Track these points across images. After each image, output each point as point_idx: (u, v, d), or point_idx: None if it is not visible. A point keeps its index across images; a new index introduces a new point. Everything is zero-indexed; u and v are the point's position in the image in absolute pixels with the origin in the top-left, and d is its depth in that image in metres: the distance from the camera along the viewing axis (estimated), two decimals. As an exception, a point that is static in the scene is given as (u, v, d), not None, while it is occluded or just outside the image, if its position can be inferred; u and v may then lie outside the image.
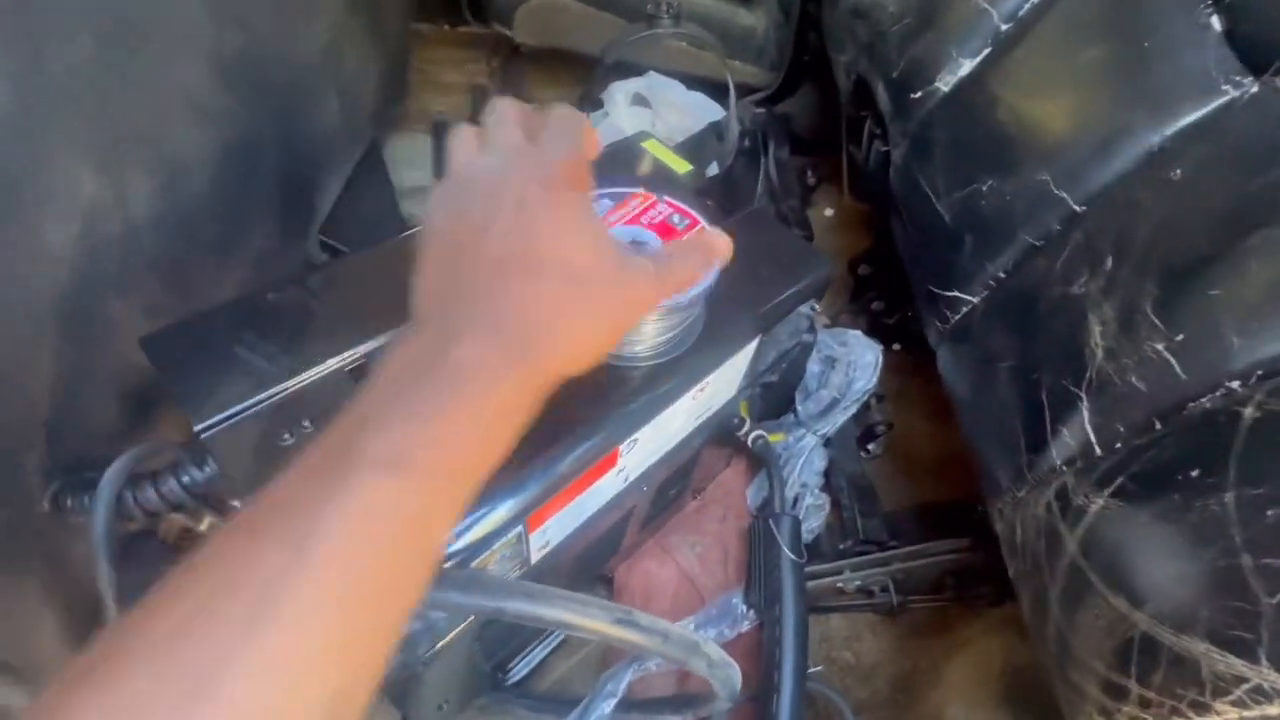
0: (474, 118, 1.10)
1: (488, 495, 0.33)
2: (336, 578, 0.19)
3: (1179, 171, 0.35)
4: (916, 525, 0.63)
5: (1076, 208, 0.42)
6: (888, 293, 0.82)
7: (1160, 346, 0.31)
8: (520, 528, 0.35)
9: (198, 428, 0.33)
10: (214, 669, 0.17)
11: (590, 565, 0.59)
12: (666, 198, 0.39)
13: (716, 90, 1.04)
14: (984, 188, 0.48)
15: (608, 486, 0.42)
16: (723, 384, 0.47)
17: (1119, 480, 0.31)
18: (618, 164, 0.55)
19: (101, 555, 0.33)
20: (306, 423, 0.34)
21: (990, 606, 0.59)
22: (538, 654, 0.62)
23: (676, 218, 0.38)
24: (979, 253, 0.48)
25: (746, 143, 0.90)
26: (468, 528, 0.32)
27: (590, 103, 1.04)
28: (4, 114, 0.33)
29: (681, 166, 0.54)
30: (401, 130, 1.06)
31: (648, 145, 0.56)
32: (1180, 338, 0.31)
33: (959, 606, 0.60)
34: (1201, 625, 0.24)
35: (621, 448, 0.39)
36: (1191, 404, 0.30)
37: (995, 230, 0.47)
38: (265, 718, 0.17)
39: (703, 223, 0.39)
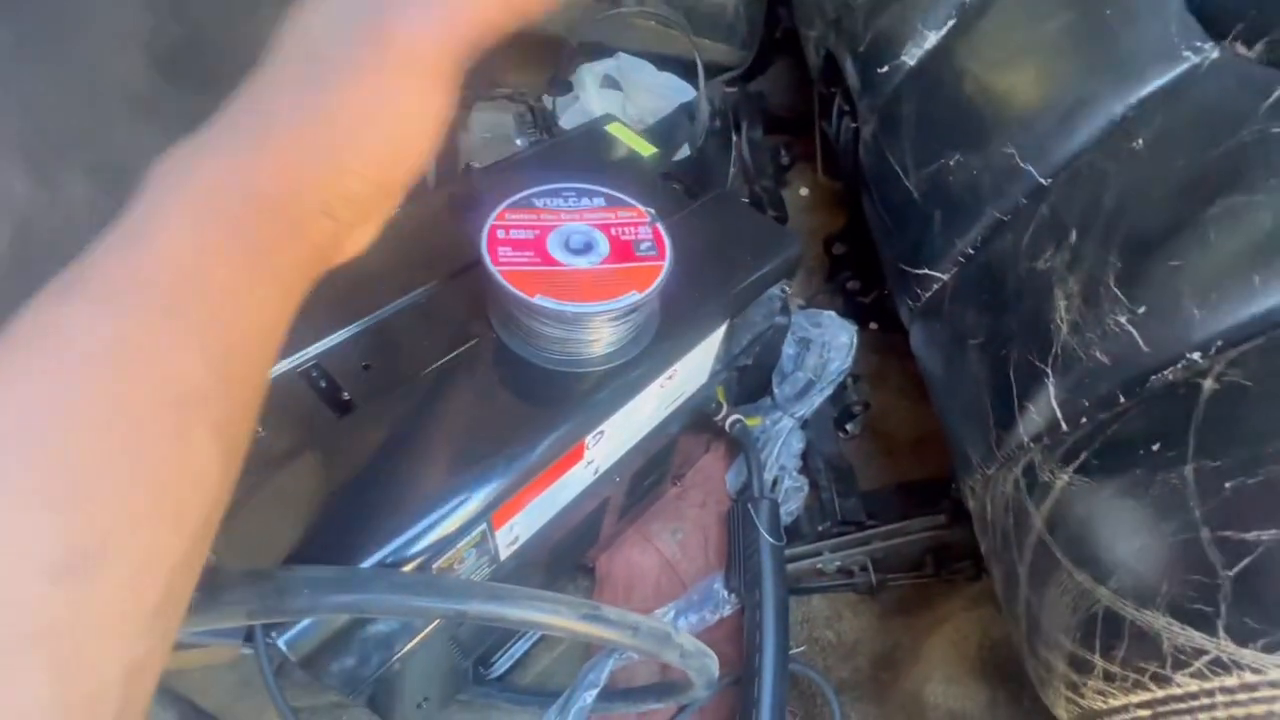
0: None
1: (448, 494, 0.32)
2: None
3: (1141, 141, 0.35)
4: (894, 504, 0.63)
5: (1042, 180, 0.42)
6: (863, 271, 0.82)
7: (1123, 319, 0.31)
8: (484, 525, 0.34)
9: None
10: None
11: (568, 556, 0.59)
12: (657, 225, 0.38)
13: (687, 70, 1.03)
14: (951, 163, 0.47)
15: (576, 479, 0.41)
16: (693, 370, 0.47)
17: (1083, 455, 0.31)
18: (583, 149, 0.54)
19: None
20: (260, 429, 0.33)
21: (969, 582, 0.59)
22: (519, 648, 0.62)
23: (645, 246, 0.37)
24: (948, 229, 0.48)
25: (718, 123, 0.89)
26: (428, 528, 0.31)
27: (559, 86, 1.02)
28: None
29: (646, 150, 0.53)
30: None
31: (612, 129, 0.55)
32: (1142, 310, 0.31)
33: (938, 583, 0.61)
34: (1162, 599, 0.24)
35: (588, 440, 0.38)
36: (1154, 376, 0.30)
37: (963, 206, 0.46)
38: None
39: (645, 211, 0.38)
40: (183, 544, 0.18)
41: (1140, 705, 0.26)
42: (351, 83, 0.21)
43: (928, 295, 0.51)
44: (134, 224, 0.19)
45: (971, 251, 0.47)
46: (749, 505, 0.61)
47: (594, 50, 1.03)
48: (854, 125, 0.63)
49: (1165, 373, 0.29)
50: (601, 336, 0.36)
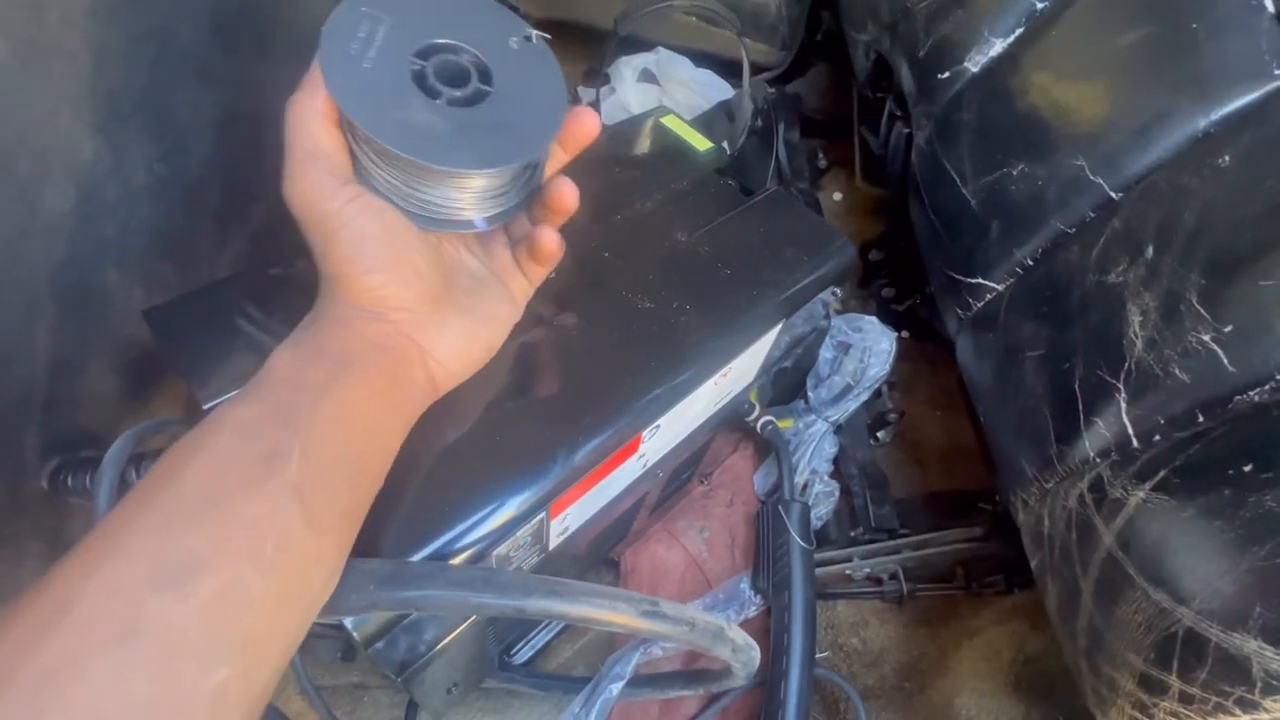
0: None
1: (511, 484, 0.32)
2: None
3: (1227, 158, 0.34)
4: (927, 514, 0.62)
5: (1113, 194, 0.41)
6: (898, 279, 0.81)
7: (1206, 338, 0.31)
8: (544, 514, 0.34)
9: (206, 405, 0.32)
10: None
11: (600, 549, 0.59)
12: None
13: (725, 68, 1.02)
14: (1014, 172, 0.47)
15: (627, 472, 0.41)
16: (744, 369, 0.46)
17: (1162, 474, 0.30)
18: (636, 140, 0.53)
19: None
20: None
21: (999, 596, 0.59)
22: (541, 638, 0.62)
23: None
24: (1006, 239, 0.47)
25: (759, 122, 0.88)
26: (492, 514, 0.31)
27: (597, 78, 1.02)
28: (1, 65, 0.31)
29: (702, 144, 0.53)
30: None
31: (667, 121, 0.54)
32: (1228, 329, 0.30)
33: (967, 596, 0.60)
34: (1254, 623, 0.24)
35: (644, 434, 0.38)
36: (1239, 397, 0.29)
37: (1025, 216, 0.46)
38: None
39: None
40: (266, 584, 0.22)
41: (1220, 729, 0.25)
42: (310, 228, 0.29)
43: (980, 305, 0.50)
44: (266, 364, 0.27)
45: (1031, 263, 0.46)
46: (780, 507, 0.61)
47: (633, 43, 1.02)
48: (906, 130, 0.63)
49: (1252, 394, 0.29)
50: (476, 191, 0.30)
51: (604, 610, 0.30)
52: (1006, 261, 0.48)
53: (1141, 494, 0.31)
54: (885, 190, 0.89)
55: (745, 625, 0.63)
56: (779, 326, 0.45)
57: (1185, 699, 0.26)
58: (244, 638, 0.21)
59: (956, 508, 0.65)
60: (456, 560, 0.30)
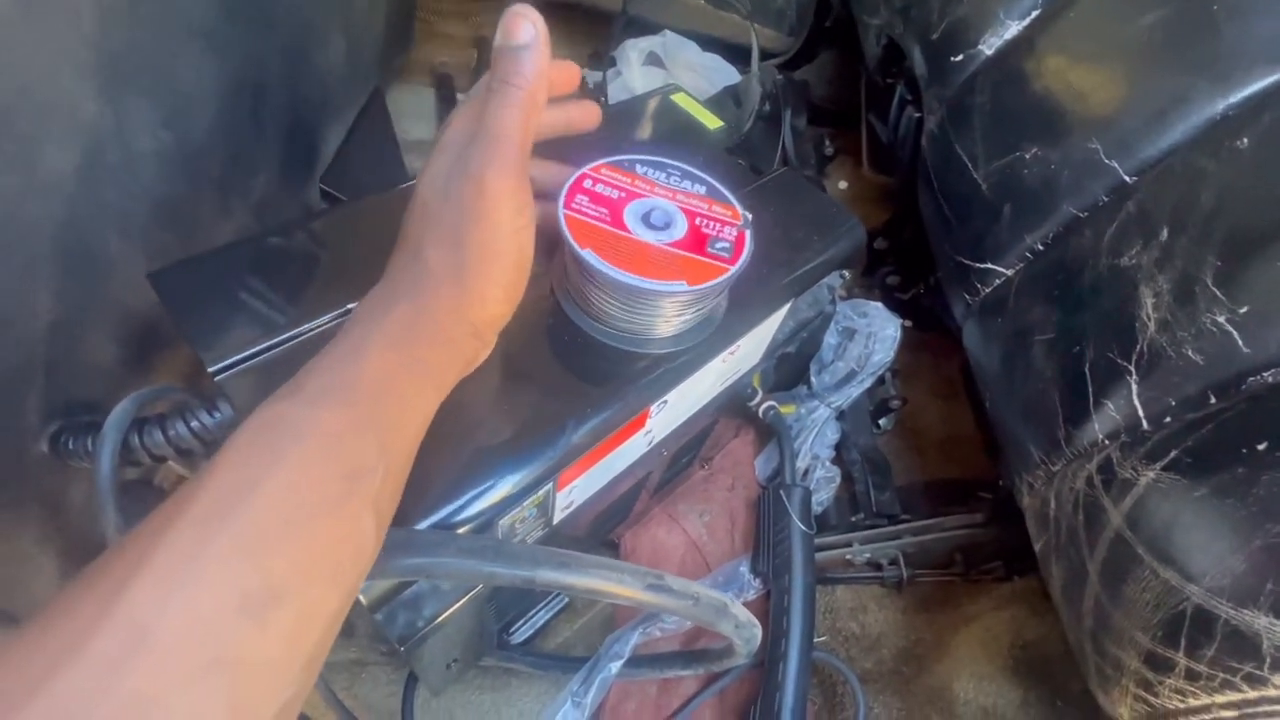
0: (478, 72, 1.06)
1: (519, 453, 0.31)
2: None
3: (1246, 140, 0.34)
4: (928, 500, 0.62)
5: (1127, 178, 0.41)
6: (903, 268, 0.81)
7: (1221, 319, 0.30)
8: (550, 485, 0.34)
9: (213, 368, 0.31)
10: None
11: (601, 530, 0.59)
12: (745, 231, 0.36)
13: (732, 53, 1.01)
14: (1027, 156, 0.47)
15: (633, 448, 0.41)
16: (752, 348, 0.46)
17: (1173, 454, 0.30)
18: (646, 119, 0.53)
19: (106, 499, 0.31)
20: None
21: (997, 583, 0.59)
22: (541, 616, 0.62)
23: (721, 246, 0.35)
24: (1017, 223, 0.47)
25: (766, 107, 0.88)
26: (500, 483, 0.31)
27: (603, 60, 1.01)
28: (2, 18, 0.30)
29: (713, 123, 0.52)
30: (404, 82, 1.02)
31: (677, 99, 0.54)
32: (1244, 310, 0.30)
33: (966, 582, 0.60)
34: (1265, 599, 0.24)
35: (652, 408, 0.38)
36: (1252, 378, 0.29)
37: (1037, 200, 0.46)
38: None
39: (741, 214, 0.37)
40: (338, 600, 0.22)
41: (1227, 705, 0.25)
42: (473, 232, 0.27)
43: (988, 290, 0.50)
44: (343, 350, 0.25)
45: (1041, 247, 0.46)
46: (781, 492, 0.61)
47: (640, 26, 1.01)
48: (917, 115, 0.62)
49: (1266, 374, 0.29)
50: (641, 315, 0.35)
51: (610, 583, 0.30)
52: (1017, 246, 0.47)
53: (1151, 474, 0.31)
54: (892, 178, 0.88)
55: (746, 606, 0.63)
56: (787, 306, 0.45)
57: (1192, 675, 0.26)
58: (312, 654, 0.21)
59: (956, 495, 0.65)
60: (462, 530, 0.30)
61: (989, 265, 0.49)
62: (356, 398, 0.24)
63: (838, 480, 0.65)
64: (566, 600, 0.63)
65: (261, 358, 0.33)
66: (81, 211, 0.37)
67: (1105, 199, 0.42)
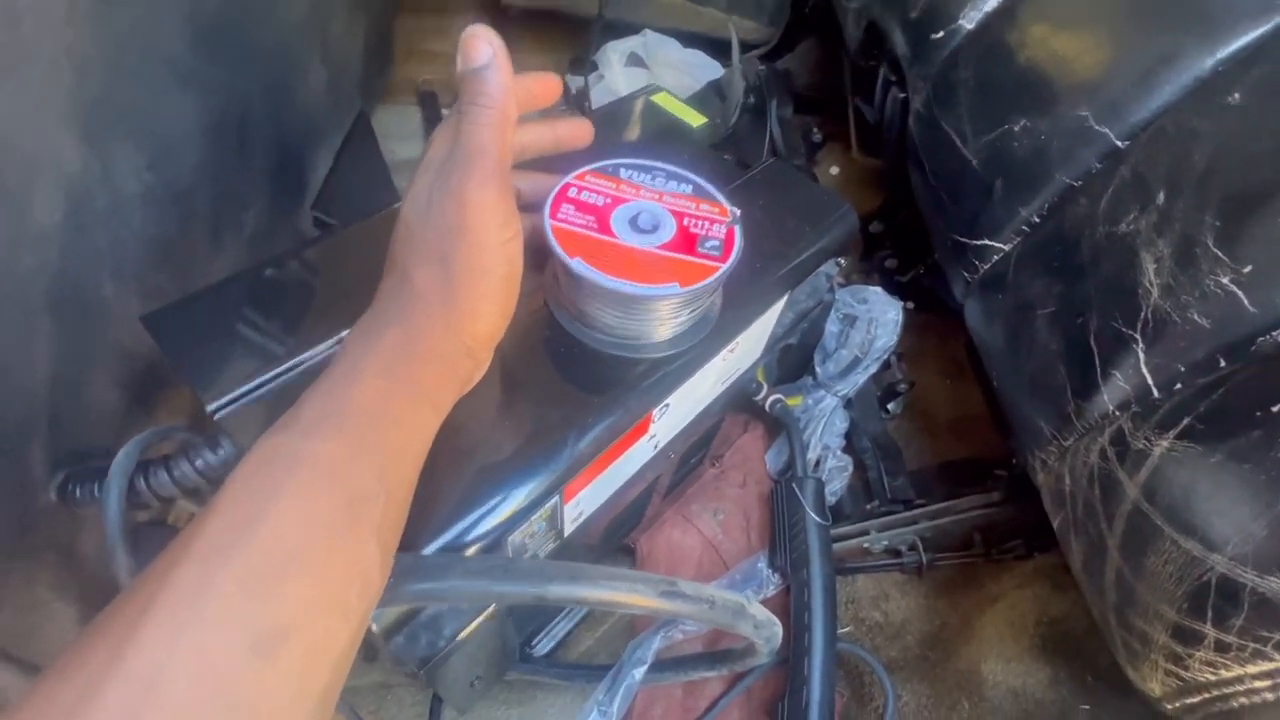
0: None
1: (523, 468, 0.31)
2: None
3: (1236, 96, 0.33)
4: (942, 483, 0.62)
5: (1119, 143, 0.40)
6: (900, 250, 0.80)
7: (1225, 280, 0.30)
8: (556, 498, 0.34)
9: (211, 407, 0.31)
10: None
11: (615, 536, 0.58)
12: (734, 227, 0.36)
13: (714, 47, 1.01)
14: (1015, 128, 0.46)
15: (639, 454, 0.40)
16: (751, 344, 0.46)
17: (1185, 421, 0.30)
18: (629, 121, 0.52)
19: (116, 544, 0.31)
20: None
21: (1018, 561, 0.58)
22: (562, 627, 0.62)
23: (711, 245, 0.34)
24: (1011, 197, 0.46)
25: (751, 100, 0.87)
26: (505, 501, 0.30)
27: (584, 65, 1.01)
28: (-24, 74, 0.30)
29: (696, 120, 0.52)
30: (388, 102, 1.03)
31: (658, 99, 0.53)
32: (1248, 270, 0.29)
33: (987, 562, 0.60)
34: (1290, 565, 0.23)
35: (654, 413, 0.37)
36: (1262, 338, 0.28)
37: (1029, 173, 0.45)
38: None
39: (729, 211, 0.36)
40: (349, 632, 0.21)
41: (1259, 676, 0.25)
42: (459, 249, 0.27)
43: (987, 267, 0.50)
44: (336, 377, 0.25)
45: (1037, 220, 0.45)
46: (794, 485, 0.61)
47: (619, 27, 1.01)
48: (902, 96, 0.62)
49: (1275, 334, 0.28)
50: (635, 320, 0.34)
51: (623, 593, 0.29)
52: (1012, 220, 0.47)
53: (1165, 443, 0.30)
54: (883, 161, 0.87)
55: (764, 604, 0.62)
56: (784, 299, 0.45)
57: (1221, 647, 0.26)
58: (326, 688, 0.20)
59: (971, 475, 0.64)
60: (471, 550, 0.30)
61: (985, 242, 0.49)
62: (352, 425, 0.23)
63: (850, 469, 0.65)
64: (586, 610, 0.63)
65: (260, 391, 0.33)
66: (73, 259, 0.37)
67: (1098, 166, 0.41)
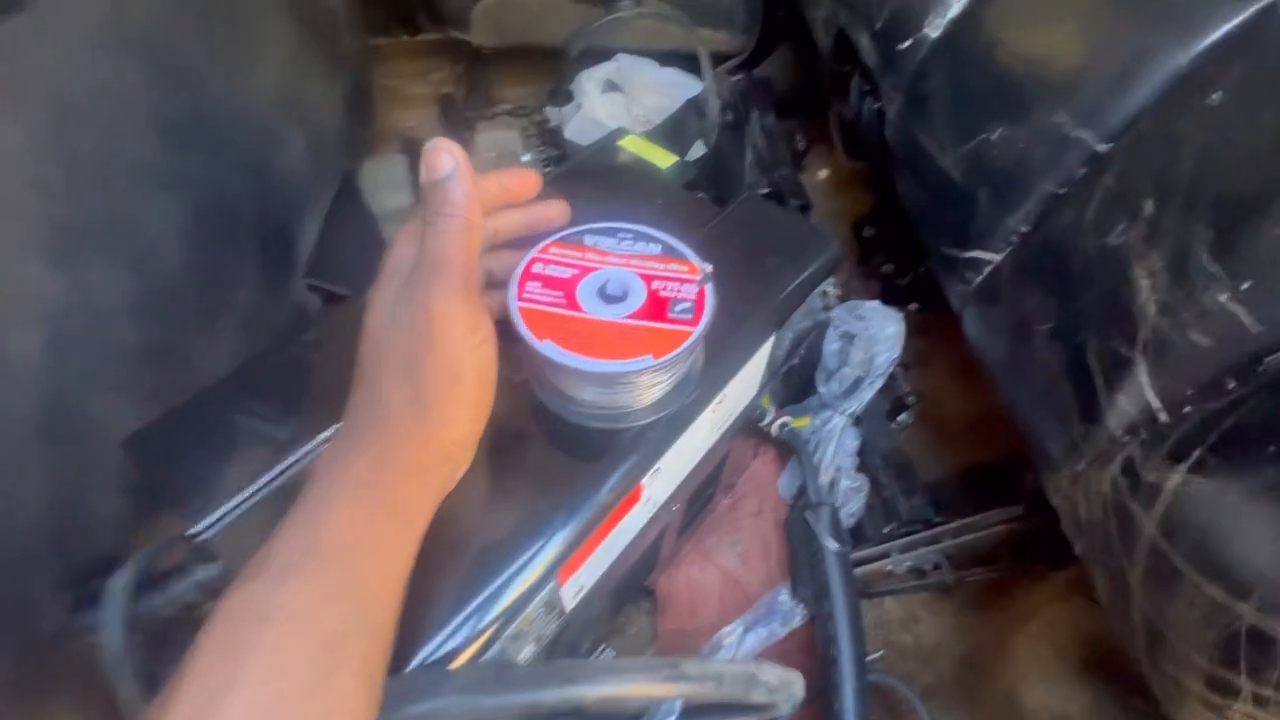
0: (445, 129, 1.04)
1: (507, 562, 0.31)
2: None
3: (1217, 95, 0.32)
4: (962, 496, 0.60)
5: (1098, 148, 0.38)
6: (897, 253, 0.78)
7: (1223, 297, 0.28)
8: (551, 584, 0.33)
9: (189, 532, 0.31)
10: None
11: (630, 585, 0.58)
12: (705, 287, 0.34)
13: (691, 63, 1.00)
14: (993, 137, 0.44)
15: (635, 519, 0.39)
16: (743, 388, 0.45)
17: (1196, 453, 0.28)
18: (598, 171, 0.52)
19: (120, 674, 0.31)
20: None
21: (1049, 571, 0.56)
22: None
23: (681, 308, 0.33)
24: (996, 207, 0.45)
25: (729, 116, 0.86)
26: (490, 600, 0.30)
27: (561, 96, 1.00)
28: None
29: (665, 160, 0.51)
30: (374, 154, 1.03)
31: (625, 144, 0.52)
32: (1246, 285, 0.28)
33: (1017, 575, 0.58)
34: (1321, 618, 0.22)
35: (644, 481, 0.36)
36: (1268, 358, 0.27)
37: (1011, 182, 0.43)
38: None
39: (699, 269, 0.35)
40: None
41: (1303, 733, 0.23)
42: (428, 360, 0.26)
43: (979, 279, 0.48)
44: (306, 511, 0.25)
45: (1025, 230, 0.44)
46: (806, 513, 0.59)
47: (593, 55, 1.01)
48: (876, 105, 0.60)
49: (1282, 354, 0.26)
50: (644, 388, 0.34)
51: (625, 684, 0.29)
52: (1000, 230, 0.45)
53: (1178, 476, 0.28)
54: (869, 163, 0.86)
55: (793, 635, 0.61)
56: (772, 339, 0.44)
57: (1260, 701, 0.24)
58: None
59: (990, 483, 0.62)
60: (465, 655, 0.29)
61: (975, 253, 0.47)
62: (324, 565, 0.23)
63: (866, 489, 0.63)
64: (613, 655, 0.62)
65: (245, 505, 0.33)
66: (56, 383, 0.38)
67: (1082, 172, 0.40)
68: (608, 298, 0.33)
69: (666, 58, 1.01)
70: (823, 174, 0.98)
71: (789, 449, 0.67)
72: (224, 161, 0.57)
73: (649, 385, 0.34)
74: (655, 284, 0.34)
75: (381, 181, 0.99)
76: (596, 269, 0.34)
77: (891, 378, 0.66)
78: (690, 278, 0.35)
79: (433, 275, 0.27)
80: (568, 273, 0.34)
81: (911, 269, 0.78)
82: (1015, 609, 0.55)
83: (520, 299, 0.32)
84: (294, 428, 0.35)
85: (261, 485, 0.32)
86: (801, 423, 0.66)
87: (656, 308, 0.33)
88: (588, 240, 0.35)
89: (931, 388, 0.72)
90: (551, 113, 1.04)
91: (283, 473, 0.33)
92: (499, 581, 0.30)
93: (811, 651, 0.60)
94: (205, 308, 0.55)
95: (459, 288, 0.27)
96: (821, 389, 0.65)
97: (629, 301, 0.33)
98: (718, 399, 0.40)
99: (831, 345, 0.65)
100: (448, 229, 0.27)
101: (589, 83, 1.01)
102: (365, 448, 0.26)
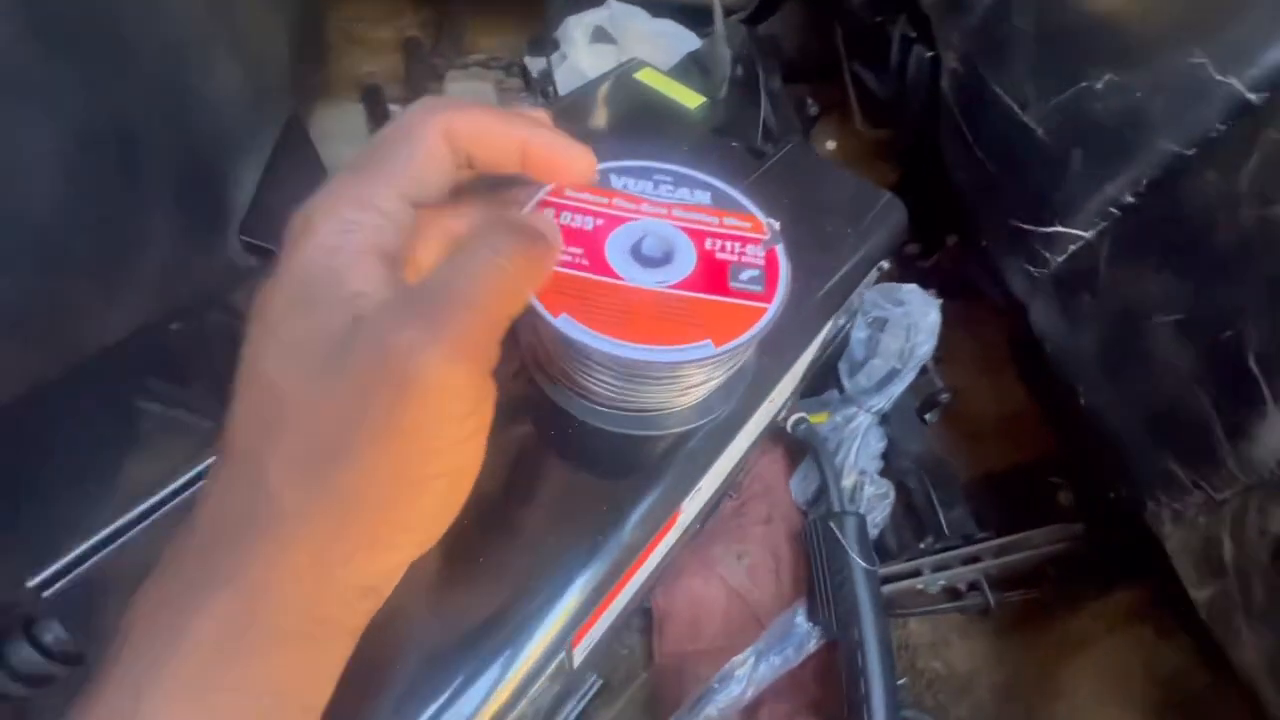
0: (409, 79, 0.92)
1: (509, 634, 0.21)
2: None
3: None
4: (1003, 506, 0.53)
5: (1251, 96, 0.31)
6: (921, 232, 0.71)
7: None
8: (561, 654, 0.24)
9: (32, 583, 0.21)
10: None
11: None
12: (775, 247, 0.26)
13: (686, 15, 0.90)
14: (1098, 85, 0.36)
15: (659, 552, 0.31)
16: (789, 387, 0.36)
17: None
18: (610, 108, 0.42)
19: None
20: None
21: (1099, 594, 0.50)
22: (574, 709, 0.53)
23: (748, 277, 0.25)
24: (1094, 172, 0.37)
25: (739, 71, 0.77)
26: (504, 675, 0.21)
27: (544, 45, 0.89)
28: None
29: (692, 100, 0.41)
30: (328, 99, 0.91)
31: (643, 76, 0.43)
32: None
33: (1058, 597, 0.51)
34: None
35: (683, 506, 0.28)
36: None
37: (1119, 140, 0.36)
38: None
39: (765, 225, 0.26)
40: None
41: None
42: (383, 448, 0.16)
43: (1061, 259, 0.40)
44: (123, 686, 0.15)
45: (1132, 200, 0.36)
46: (831, 524, 0.52)
47: (580, 1, 0.90)
48: (930, 55, 0.52)
49: None
50: (649, 392, 0.25)
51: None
52: (1095, 200, 0.37)
53: None
54: (892, 131, 0.78)
55: (807, 662, 0.54)
56: (829, 324, 0.35)
57: None
58: None
59: (1028, 487, 0.56)
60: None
61: (1059, 229, 0.40)
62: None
63: (891, 496, 0.56)
64: (600, 684, 0.54)
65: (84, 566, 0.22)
66: None
67: (1221, 127, 0.32)
68: (644, 259, 0.24)
69: (659, 8, 0.91)
70: (831, 145, 0.90)
71: (802, 448, 0.59)
72: (125, 76, 0.45)
73: (699, 381, 0.25)
74: (708, 242, 0.25)
75: (335, 131, 0.87)
76: (629, 219, 0.25)
77: (922, 371, 0.59)
78: (754, 236, 0.26)
79: (446, 318, 0.17)
80: (591, 222, 0.24)
81: (934, 251, 0.71)
82: (1061, 635, 0.49)
83: None
84: (214, 415, 0.25)
85: (99, 542, 0.22)
86: (819, 418, 0.59)
87: (712, 275, 0.24)
88: (615, 181, 0.26)
89: (958, 382, 0.65)
90: (532, 63, 0.93)
91: (152, 510, 0.23)
92: (493, 669, 0.21)
93: (825, 680, 0.53)
94: (106, 262, 0.43)
95: (470, 351, 0.17)
96: (846, 382, 0.57)
97: (675, 265, 0.24)
98: (768, 397, 0.31)
99: (860, 333, 0.57)
100: (505, 270, 0.18)
101: (576, 30, 0.90)
102: (217, 585, 0.16)
